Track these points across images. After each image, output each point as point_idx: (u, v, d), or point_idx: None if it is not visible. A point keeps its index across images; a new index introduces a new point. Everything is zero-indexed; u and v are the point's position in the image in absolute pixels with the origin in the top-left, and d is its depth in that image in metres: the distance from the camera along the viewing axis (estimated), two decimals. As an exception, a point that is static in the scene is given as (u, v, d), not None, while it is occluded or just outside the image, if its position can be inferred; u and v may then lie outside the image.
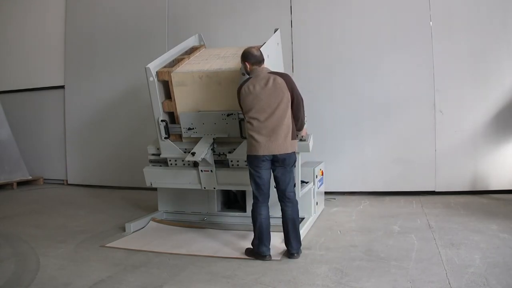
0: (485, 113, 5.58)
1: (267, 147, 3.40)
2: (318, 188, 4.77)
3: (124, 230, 4.39)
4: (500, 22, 5.50)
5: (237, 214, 4.60)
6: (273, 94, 3.42)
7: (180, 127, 4.29)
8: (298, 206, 3.60)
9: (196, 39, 5.07)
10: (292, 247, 3.49)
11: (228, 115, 4.11)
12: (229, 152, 4.18)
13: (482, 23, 5.54)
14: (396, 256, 3.40)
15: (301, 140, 3.97)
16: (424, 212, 4.80)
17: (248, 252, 3.58)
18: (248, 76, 3.58)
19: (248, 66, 3.57)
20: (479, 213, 4.65)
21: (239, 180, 4.17)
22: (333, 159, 5.85)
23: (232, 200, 4.87)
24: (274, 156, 3.43)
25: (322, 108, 5.95)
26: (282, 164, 3.47)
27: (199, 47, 4.93)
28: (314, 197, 4.55)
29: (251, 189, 3.58)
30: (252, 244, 3.55)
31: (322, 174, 5.08)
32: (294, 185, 3.68)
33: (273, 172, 3.53)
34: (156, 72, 4.21)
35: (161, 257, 3.61)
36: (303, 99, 3.58)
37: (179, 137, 4.38)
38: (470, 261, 3.18)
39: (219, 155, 4.26)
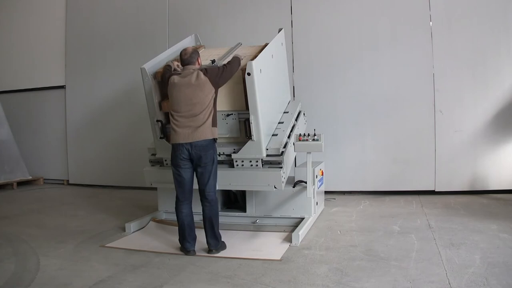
0: (485, 113, 5.58)
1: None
2: (318, 188, 4.77)
3: (124, 230, 4.40)
4: (500, 22, 5.50)
5: (237, 214, 4.59)
6: None
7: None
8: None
9: (192, 40, 5.06)
10: (210, 244, 3.70)
11: (228, 115, 4.10)
12: (234, 152, 4.17)
13: (482, 23, 5.54)
14: (396, 256, 3.40)
15: (314, 140, 4.07)
16: (424, 212, 4.80)
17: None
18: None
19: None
20: (479, 213, 4.65)
21: (239, 180, 4.16)
22: (333, 159, 5.85)
23: (232, 200, 4.87)
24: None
25: (322, 107, 5.96)
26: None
27: (199, 47, 4.92)
28: (314, 197, 4.55)
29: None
30: (179, 240, 3.77)
31: (322, 174, 5.08)
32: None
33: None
34: (156, 73, 4.21)
35: (161, 257, 3.61)
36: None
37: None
38: (470, 261, 3.19)
39: (219, 155, 4.25)
